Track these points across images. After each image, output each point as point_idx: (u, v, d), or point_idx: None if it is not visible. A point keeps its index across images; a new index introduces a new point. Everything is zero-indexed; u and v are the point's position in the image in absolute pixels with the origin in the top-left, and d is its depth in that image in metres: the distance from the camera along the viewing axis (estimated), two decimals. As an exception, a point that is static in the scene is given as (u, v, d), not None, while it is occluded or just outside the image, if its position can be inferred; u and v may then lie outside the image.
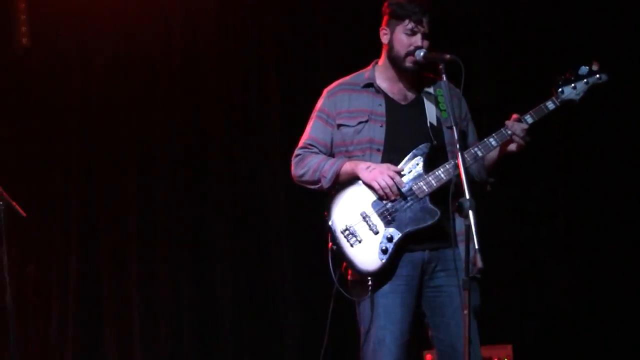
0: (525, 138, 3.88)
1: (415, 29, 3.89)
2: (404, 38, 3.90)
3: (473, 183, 3.95)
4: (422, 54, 3.87)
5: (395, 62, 3.95)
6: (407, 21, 3.89)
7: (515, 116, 3.91)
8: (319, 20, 6.19)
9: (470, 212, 3.37)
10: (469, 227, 3.36)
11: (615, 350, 5.99)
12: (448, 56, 3.73)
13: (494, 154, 3.96)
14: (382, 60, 4.02)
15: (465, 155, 3.80)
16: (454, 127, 3.61)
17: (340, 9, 6.16)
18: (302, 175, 4.01)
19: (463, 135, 4.02)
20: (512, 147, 3.91)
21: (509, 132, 3.88)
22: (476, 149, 3.88)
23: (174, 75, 6.18)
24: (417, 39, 3.89)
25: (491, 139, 3.90)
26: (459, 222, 3.74)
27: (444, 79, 3.74)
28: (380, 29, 4.00)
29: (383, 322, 3.79)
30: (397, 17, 3.92)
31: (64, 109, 6.08)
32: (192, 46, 6.17)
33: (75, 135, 6.07)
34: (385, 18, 3.99)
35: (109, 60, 6.12)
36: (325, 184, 3.94)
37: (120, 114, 6.11)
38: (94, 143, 6.08)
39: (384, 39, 3.99)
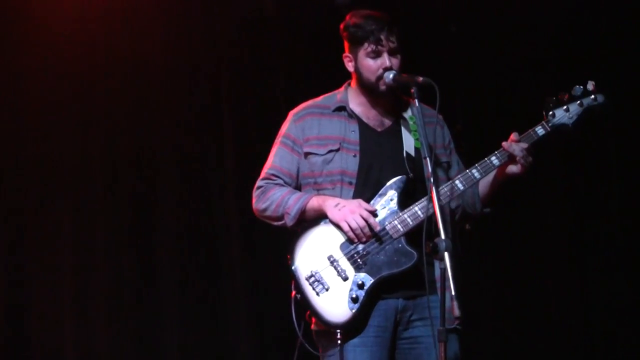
0: (527, 158, 3.82)
1: (378, 49, 3.83)
2: (370, 62, 3.86)
3: (466, 216, 3.98)
4: (391, 76, 3.82)
5: (369, 88, 3.90)
6: (366, 44, 3.84)
7: (513, 136, 3.85)
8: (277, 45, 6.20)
9: (446, 254, 3.35)
10: (444, 270, 3.35)
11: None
12: (421, 79, 3.71)
13: (488, 180, 3.90)
14: (355, 83, 3.98)
15: (444, 189, 3.79)
16: (428, 158, 3.60)
17: (300, 36, 6.16)
18: (265, 210, 3.95)
19: (446, 167, 3.99)
20: (514, 169, 3.84)
21: (505, 154, 3.83)
22: (457, 181, 3.83)
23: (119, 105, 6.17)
24: (384, 60, 3.84)
25: (474, 171, 3.86)
26: (436, 266, 3.66)
27: (417, 104, 3.71)
28: (344, 56, 3.95)
29: (351, 379, 3.75)
30: (356, 41, 3.87)
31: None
32: (140, 69, 6.16)
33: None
34: (346, 43, 3.95)
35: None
36: (289, 221, 3.89)
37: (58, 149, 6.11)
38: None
39: (350, 67, 3.95)
